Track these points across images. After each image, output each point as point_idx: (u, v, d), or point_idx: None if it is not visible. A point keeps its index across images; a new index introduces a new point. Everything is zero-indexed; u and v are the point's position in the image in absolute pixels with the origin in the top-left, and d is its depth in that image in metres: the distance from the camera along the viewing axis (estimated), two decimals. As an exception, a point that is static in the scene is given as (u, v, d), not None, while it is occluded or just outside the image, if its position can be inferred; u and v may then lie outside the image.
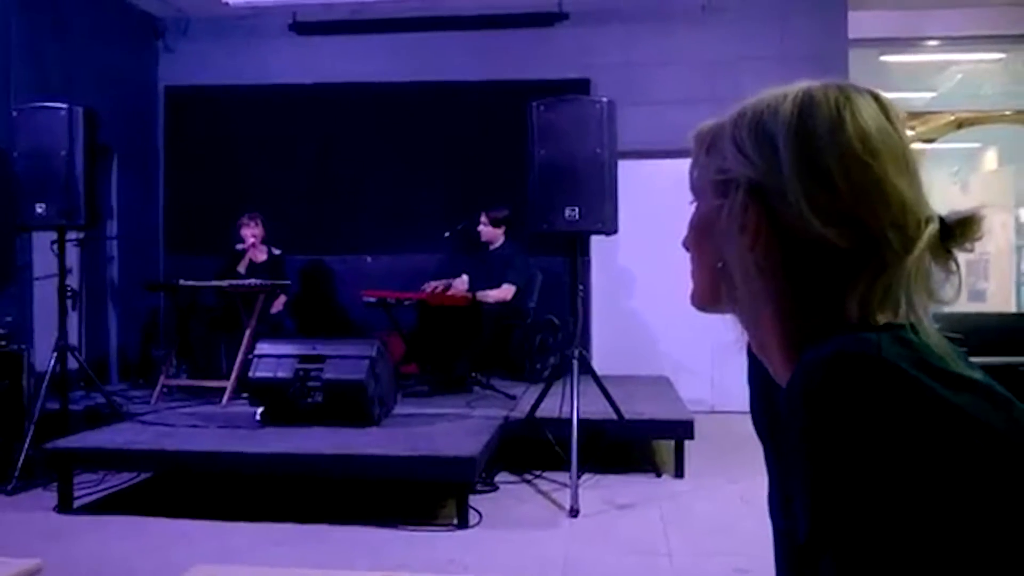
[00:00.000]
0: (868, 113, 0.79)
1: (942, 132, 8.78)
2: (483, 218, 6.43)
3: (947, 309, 0.78)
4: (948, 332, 0.76)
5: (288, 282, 6.54)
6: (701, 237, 0.88)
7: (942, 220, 0.77)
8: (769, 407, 0.91)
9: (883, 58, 7.65)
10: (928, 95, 8.42)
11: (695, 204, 0.89)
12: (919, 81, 8.17)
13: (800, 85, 0.82)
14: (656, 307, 6.95)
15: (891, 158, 0.77)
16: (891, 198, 0.76)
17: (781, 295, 0.80)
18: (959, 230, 0.77)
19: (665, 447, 5.17)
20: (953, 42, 7.57)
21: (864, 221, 0.76)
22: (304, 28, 7.47)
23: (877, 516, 0.66)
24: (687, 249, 0.90)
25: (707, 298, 0.89)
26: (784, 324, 0.81)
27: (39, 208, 4.89)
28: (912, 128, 9.71)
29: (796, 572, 0.88)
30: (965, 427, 0.67)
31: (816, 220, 0.76)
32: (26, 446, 4.57)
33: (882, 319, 0.75)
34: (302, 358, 4.67)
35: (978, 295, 8.25)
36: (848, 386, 0.68)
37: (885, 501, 0.66)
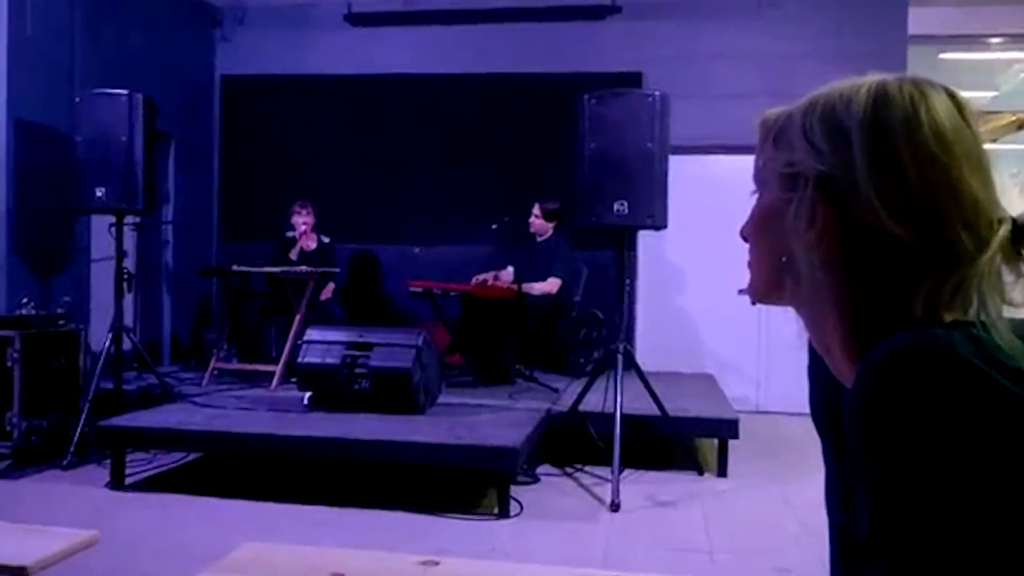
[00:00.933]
0: (943, 109, 0.78)
1: (1003, 132, 8.53)
2: (536, 209, 6.40)
3: (1008, 315, 0.77)
4: None
5: (337, 270, 6.63)
6: (763, 229, 0.86)
7: (1014, 221, 0.76)
8: (829, 401, 0.90)
9: (943, 55, 7.47)
10: (989, 94, 8.20)
11: (757, 194, 0.88)
12: (980, 79, 7.96)
13: (873, 78, 0.81)
14: (703, 304, 6.91)
15: (965, 156, 0.76)
16: (964, 196, 0.75)
17: (846, 290, 0.79)
18: None
19: (708, 445, 5.13)
20: (1016, 39, 7.36)
21: (936, 218, 0.75)
22: (358, 19, 7.54)
23: (943, 516, 0.65)
24: (745, 240, 0.89)
25: (765, 290, 0.88)
26: (848, 320, 0.80)
27: (99, 192, 5.02)
28: (971, 128, 9.47)
29: (854, 568, 0.87)
30: None
31: (887, 216, 0.75)
32: (81, 423, 4.71)
33: (949, 317, 0.74)
34: (350, 345, 4.73)
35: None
36: (917, 380, 0.67)
37: (952, 500, 0.65)
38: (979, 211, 0.75)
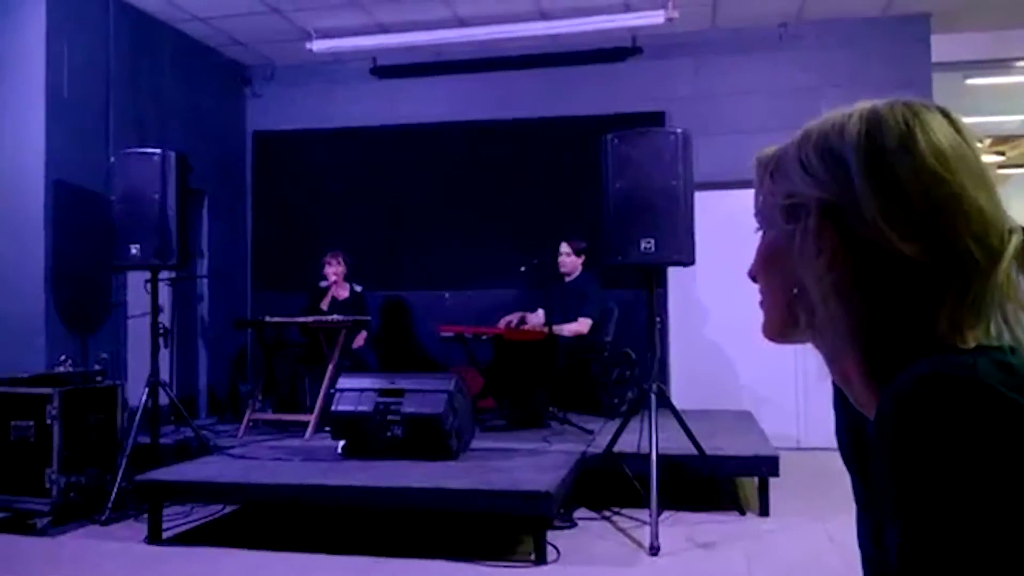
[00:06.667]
0: (938, 128, 0.77)
1: (1035, 156, 8.41)
2: (564, 247, 6.41)
3: None
4: None
5: (369, 318, 6.66)
6: (772, 265, 0.86)
7: None
8: (856, 433, 0.88)
9: (969, 81, 7.42)
10: (1017, 118, 8.12)
11: (761, 232, 0.88)
12: (1008, 104, 7.89)
13: (864, 104, 0.81)
14: (737, 339, 6.82)
15: (966, 171, 0.76)
16: (969, 209, 0.75)
17: (862, 316, 0.78)
18: None
19: (749, 484, 5.04)
20: (1045, 63, 7.30)
21: (944, 235, 0.74)
22: (384, 72, 7.68)
23: (971, 549, 0.63)
24: (754, 280, 0.89)
25: (780, 327, 0.87)
26: (866, 347, 0.78)
27: (133, 249, 5.11)
28: (1002, 153, 9.35)
29: None
30: None
31: (894, 236, 0.75)
32: (119, 478, 4.74)
33: (972, 338, 0.73)
34: (382, 392, 4.74)
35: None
36: (942, 410, 0.66)
37: (980, 533, 0.63)
38: (987, 223, 0.74)
